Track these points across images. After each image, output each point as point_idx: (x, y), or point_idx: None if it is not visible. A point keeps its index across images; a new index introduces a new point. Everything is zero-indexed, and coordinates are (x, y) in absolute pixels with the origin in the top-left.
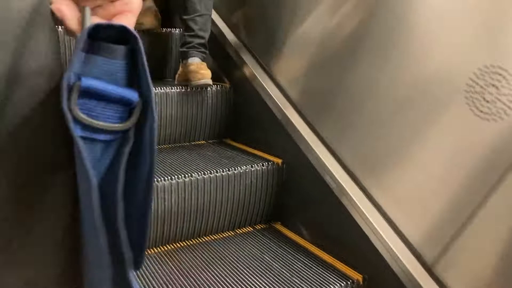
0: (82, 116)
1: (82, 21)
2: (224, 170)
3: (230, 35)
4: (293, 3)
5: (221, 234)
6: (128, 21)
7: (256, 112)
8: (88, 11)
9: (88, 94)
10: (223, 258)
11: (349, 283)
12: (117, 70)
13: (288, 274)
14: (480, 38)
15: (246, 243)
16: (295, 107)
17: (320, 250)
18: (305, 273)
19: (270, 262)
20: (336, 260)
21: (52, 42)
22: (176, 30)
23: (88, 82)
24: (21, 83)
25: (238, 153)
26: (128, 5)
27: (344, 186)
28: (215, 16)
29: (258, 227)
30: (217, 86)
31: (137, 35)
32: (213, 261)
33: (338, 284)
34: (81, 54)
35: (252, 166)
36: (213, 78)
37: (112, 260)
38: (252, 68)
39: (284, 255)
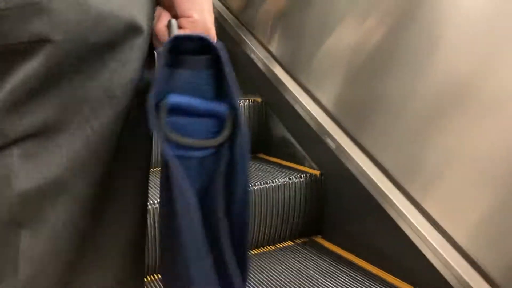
0: (175, 135)
1: (169, 34)
2: (262, 183)
3: (260, 49)
4: (324, 17)
5: (261, 249)
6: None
7: (289, 125)
8: (175, 24)
9: (177, 111)
10: (264, 272)
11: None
12: (202, 82)
13: (333, 286)
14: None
15: (288, 257)
16: (332, 117)
17: (365, 262)
18: (351, 285)
19: (313, 275)
20: (383, 271)
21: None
22: None
23: (175, 98)
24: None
25: (273, 167)
26: (191, 23)
27: (389, 195)
28: (245, 32)
29: (298, 241)
30: (249, 101)
31: (219, 43)
32: (254, 274)
33: None
34: (165, 69)
35: (289, 179)
36: (244, 93)
37: (219, 277)
38: (284, 81)
39: (327, 268)
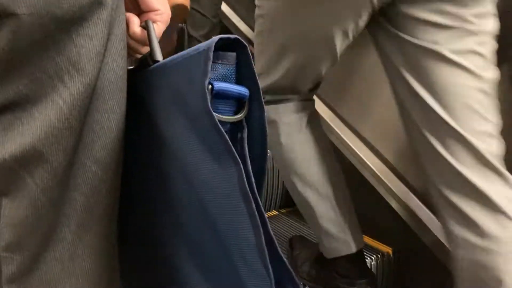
0: (217, 115)
1: (148, 34)
2: None
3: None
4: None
5: None
6: (159, 29)
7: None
8: (151, 23)
9: (216, 95)
10: None
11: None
12: (230, 74)
13: None
14: None
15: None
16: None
17: None
18: None
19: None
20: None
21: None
22: None
23: (219, 85)
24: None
25: None
26: (159, 16)
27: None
28: None
29: (283, 210)
30: None
31: (245, 43)
32: None
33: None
34: (209, 63)
35: None
36: None
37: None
38: (340, 132)
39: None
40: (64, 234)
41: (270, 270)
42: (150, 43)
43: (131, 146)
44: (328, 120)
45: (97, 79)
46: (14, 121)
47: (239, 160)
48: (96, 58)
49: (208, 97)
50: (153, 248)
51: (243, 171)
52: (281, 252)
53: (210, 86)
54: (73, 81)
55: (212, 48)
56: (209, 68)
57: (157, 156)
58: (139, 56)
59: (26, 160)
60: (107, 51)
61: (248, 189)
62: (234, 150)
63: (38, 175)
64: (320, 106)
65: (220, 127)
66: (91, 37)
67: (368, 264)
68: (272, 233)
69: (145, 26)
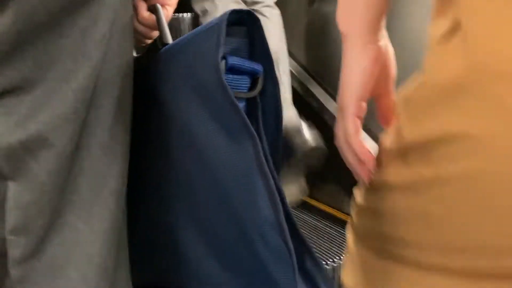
0: (231, 90)
1: (157, 17)
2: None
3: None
4: None
5: None
6: (168, 13)
7: None
8: (160, 7)
9: (230, 70)
10: None
11: None
12: (243, 49)
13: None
14: None
15: None
16: None
17: None
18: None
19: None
20: None
21: None
22: None
23: (233, 59)
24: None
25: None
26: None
27: None
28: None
29: None
30: None
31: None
32: None
33: None
34: (222, 36)
35: None
36: None
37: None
38: None
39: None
40: (68, 219)
41: (291, 245)
42: (159, 27)
43: (141, 132)
44: None
45: (103, 63)
46: (19, 105)
47: (255, 134)
48: (101, 41)
49: (223, 71)
50: (165, 234)
51: (260, 146)
52: (299, 228)
53: (223, 60)
54: (78, 65)
55: (225, 22)
56: (222, 42)
57: (168, 140)
58: (148, 41)
59: (31, 145)
60: (112, 35)
61: (265, 164)
62: (250, 124)
63: (43, 159)
64: None
65: (235, 100)
66: (96, 20)
67: None
68: (290, 209)
69: (153, 10)
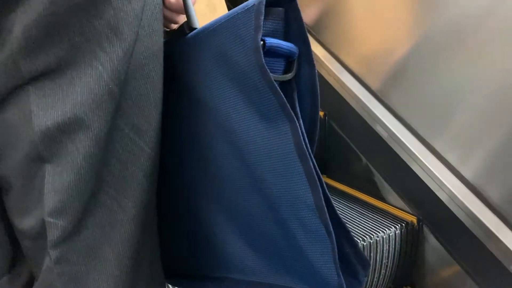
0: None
1: (184, 1)
2: None
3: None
4: None
5: None
6: None
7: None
8: None
9: (266, 53)
10: None
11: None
12: (279, 30)
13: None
14: None
15: None
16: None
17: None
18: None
19: None
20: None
21: None
22: None
23: (271, 41)
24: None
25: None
26: None
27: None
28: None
29: None
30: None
31: None
32: None
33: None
34: (261, 18)
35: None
36: None
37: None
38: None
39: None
40: (104, 200)
41: (331, 229)
42: (186, 11)
43: (171, 119)
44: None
45: (135, 44)
46: (55, 87)
47: (294, 116)
48: (135, 21)
49: (262, 54)
50: (198, 222)
51: (299, 129)
52: (337, 212)
53: (262, 42)
54: (112, 46)
55: (264, 2)
56: (261, 23)
57: (199, 127)
58: (175, 26)
59: (68, 127)
60: (144, 14)
61: (305, 147)
62: (289, 107)
63: (79, 141)
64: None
65: (275, 83)
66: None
67: (392, 234)
68: (328, 193)
69: None
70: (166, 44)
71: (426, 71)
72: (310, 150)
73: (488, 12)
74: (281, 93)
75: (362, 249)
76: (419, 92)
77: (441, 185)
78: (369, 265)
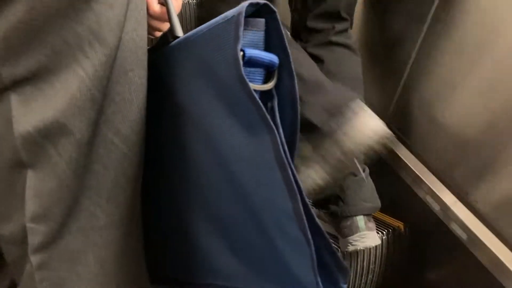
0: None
1: (168, 10)
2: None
3: None
4: None
5: None
6: (178, 4)
7: None
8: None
9: (247, 63)
10: None
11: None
12: (259, 40)
13: None
14: None
15: None
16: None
17: None
18: None
19: None
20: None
21: None
22: None
23: (251, 51)
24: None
25: None
26: None
27: None
28: None
29: None
30: None
31: (274, 8)
32: None
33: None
34: (241, 29)
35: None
36: None
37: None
38: None
39: None
40: (86, 205)
41: (310, 237)
42: (170, 19)
43: (154, 126)
44: None
45: (118, 50)
46: (36, 92)
47: (273, 127)
48: (117, 27)
49: (241, 65)
50: (180, 228)
51: (279, 138)
52: (317, 220)
53: (241, 53)
54: (95, 51)
55: (243, 13)
56: (241, 34)
57: (182, 134)
58: (159, 34)
59: (50, 132)
60: (127, 20)
61: (284, 157)
62: (268, 117)
63: (61, 146)
64: None
65: (254, 94)
66: (111, 5)
67: (379, 239)
68: (307, 201)
69: (163, 3)
70: (150, 51)
71: None
72: (290, 159)
73: None
74: (260, 103)
75: (344, 256)
76: None
77: (428, 191)
78: (349, 272)
